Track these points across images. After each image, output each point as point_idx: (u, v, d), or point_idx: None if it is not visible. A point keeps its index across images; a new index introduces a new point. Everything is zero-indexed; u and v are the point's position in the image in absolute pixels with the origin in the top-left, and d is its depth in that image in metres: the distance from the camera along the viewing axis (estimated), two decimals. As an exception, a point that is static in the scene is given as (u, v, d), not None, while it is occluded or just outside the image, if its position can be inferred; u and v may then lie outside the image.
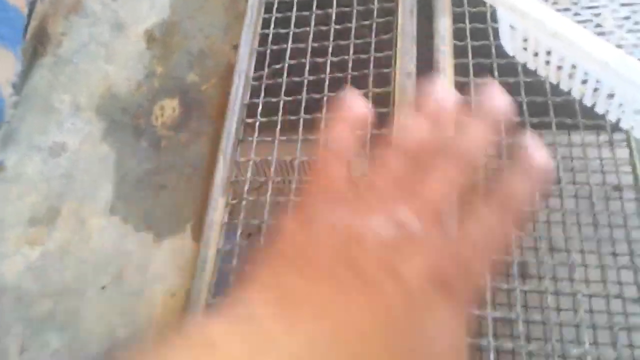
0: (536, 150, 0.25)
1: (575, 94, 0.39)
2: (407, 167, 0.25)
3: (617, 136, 0.40)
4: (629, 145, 0.39)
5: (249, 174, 0.43)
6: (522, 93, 0.41)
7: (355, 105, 0.27)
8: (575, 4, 0.41)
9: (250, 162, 0.43)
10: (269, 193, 0.42)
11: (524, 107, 0.41)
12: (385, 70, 0.44)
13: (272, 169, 0.43)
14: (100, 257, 0.42)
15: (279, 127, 0.44)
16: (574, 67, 0.36)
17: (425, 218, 0.23)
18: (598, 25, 0.40)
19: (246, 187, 0.43)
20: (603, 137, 0.42)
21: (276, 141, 0.44)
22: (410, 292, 0.22)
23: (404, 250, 0.22)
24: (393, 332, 0.21)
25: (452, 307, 0.22)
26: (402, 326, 0.21)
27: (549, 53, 0.37)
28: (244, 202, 0.42)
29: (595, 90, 0.36)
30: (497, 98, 0.25)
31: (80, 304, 0.41)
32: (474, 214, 0.24)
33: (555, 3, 0.41)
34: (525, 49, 0.39)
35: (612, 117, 0.38)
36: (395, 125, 0.40)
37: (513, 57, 0.42)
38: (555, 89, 0.40)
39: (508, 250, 0.29)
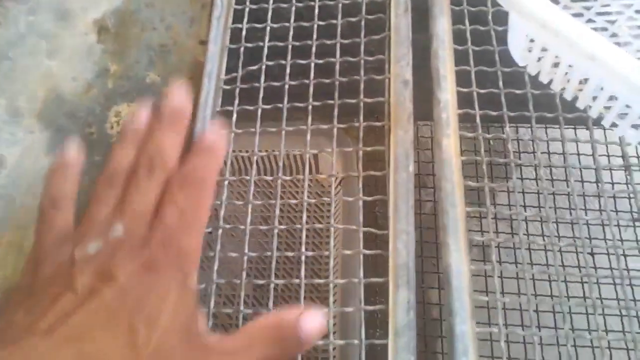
0: (209, 128, 0.34)
1: (594, 113, 0.35)
2: (113, 189, 0.31)
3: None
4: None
5: (224, 196, 0.37)
6: (531, 106, 0.37)
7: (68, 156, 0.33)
8: (588, 9, 0.37)
9: (226, 182, 0.38)
10: (248, 218, 0.36)
11: (533, 122, 0.37)
12: (377, 77, 0.39)
13: (251, 190, 0.37)
14: (50, 296, 0.36)
15: (257, 140, 0.39)
16: (601, 88, 0.32)
17: (127, 224, 0.29)
18: (614, 35, 0.36)
19: (222, 213, 0.37)
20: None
21: (255, 157, 0.38)
22: (124, 287, 0.26)
23: (113, 257, 0.27)
24: (122, 327, 0.25)
25: (168, 282, 0.27)
26: (126, 317, 0.25)
27: (570, 66, 0.33)
28: (220, 231, 0.36)
29: (623, 116, 0.32)
30: (175, 97, 0.34)
31: None
32: (162, 200, 0.30)
33: (566, 7, 0.37)
34: (539, 59, 0.35)
35: (633, 141, 0.35)
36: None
37: (521, 66, 0.37)
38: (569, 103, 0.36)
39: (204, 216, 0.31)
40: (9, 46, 0.43)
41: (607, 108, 0.33)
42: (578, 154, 0.53)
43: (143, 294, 0.26)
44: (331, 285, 0.33)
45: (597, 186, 0.35)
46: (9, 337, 0.25)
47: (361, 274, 0.34)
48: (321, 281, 0.34)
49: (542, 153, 0.36)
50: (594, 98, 0.34)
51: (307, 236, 0.36)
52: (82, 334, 0.25)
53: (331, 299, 0.33)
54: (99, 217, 0.30)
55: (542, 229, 0.50)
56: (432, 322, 0.64)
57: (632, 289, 0.36)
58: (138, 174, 0.31)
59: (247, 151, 0.38)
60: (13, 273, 0.37)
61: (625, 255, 0.47)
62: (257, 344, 0.28)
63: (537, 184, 0.34)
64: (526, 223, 0.51)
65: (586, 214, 0.33)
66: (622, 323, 0.49)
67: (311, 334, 0.29)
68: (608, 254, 0.43)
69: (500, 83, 0.38)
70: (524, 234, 0.32)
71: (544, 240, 0.32)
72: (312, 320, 0.29)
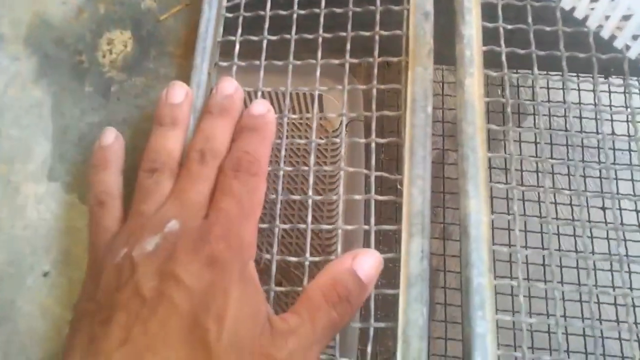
0: (254, 104, 0.31)
1: (632, 55, 0.32)
2: (160, 179, 0.30)
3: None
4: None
5: (225, 134, 0.34)
6: (561, 46, 0.34)
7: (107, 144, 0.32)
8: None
9: (228, 119, 0.35)
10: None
11: (564, 62, 0.34)
12: (396, 8, 0.36)
13: (255, 128, 0.35)
14: (39, 234, 0.34)
15: (261, 73, 0.36)
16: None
17: (182, 217, 0.28)
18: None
19: (223, 152, 0.34)
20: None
21: (259, 93, 0.35)
22: (190, 288, 0.25)
23: (174, 255, 0.26)
24: (194, 328, 0.25)
25: (230, 275, 0.26)
26: (196, 318, 0.25)
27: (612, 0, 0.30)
28: (220, 171, 0.34)
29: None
30: (225, 88, 0.32)
31: (16, 296, 0.33)
32: (217, 187, 0.29)
33: None
34: (576, -9, 0.32)
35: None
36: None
37: (552, 0, 0.34)
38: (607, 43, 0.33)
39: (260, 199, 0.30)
40: (-10, -37, 0.39)
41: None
42: (610, 105, 0.50)
43: (208, 291, 0.26)
44: (339, 232, 0.30)
45: (629, 134, 0.32)
46: (87, 351, 0.25)
47: (372, 221, 0.32)
48: (329, 227, 0.32)
49: (573, 104, 0.33)
50: (635, 37, 0.31)
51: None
52: (158, 342, 0.24)
53: (339, 248, 0.30)
54: (150, 211, 0.29)
55: (569, 182, 0.47)
56: (434, 272, 0.63)
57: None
58: (189, 160, 0.30)
59: (250, 87, 0.35)
60: (-1, 209, 0.34)
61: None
62: (319, 312, 0.27)
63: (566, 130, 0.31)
64: (552, 175, 0.48)
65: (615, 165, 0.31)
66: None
67: (371, 274, 0.29)
68: (637, 210, 0.41)
69: (530, 18, 0.35)
70: (550, 187, 0.29)
71: (570, 190, 0.29)
72: (367, 260, 0.29)
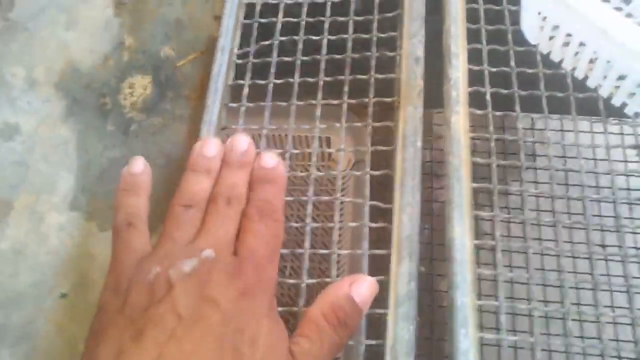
0: (265, 157, 0.34)
1: (604, 93, 0.34)
2: (192, 214, 0.31)
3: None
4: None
5: (232, 168, 0.38)
6: (542, 86, 0.37)
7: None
8: (628, 3, 0.36)
9: (235, 154, 0.38)
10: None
11: (543, 101, 0.37)
12: (390, 54, 0.39)
13: (259, 163, 0.38)
14: (60, 259, 0.37)
15: (267, 113, 0.39)
16: (608, 62, 0.32)
17: (215, 247, 0.29)
18: (629, 15, 0.36)
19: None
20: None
21: (264, 130, 0.39)
22: (226, 312, 0.27)
23: (211, 279, 0.28)
24: (228, 351, 0.26)
25: (261, 306, 0.28)
26: (230, 341, 0.26)
27: (581, 44, 0.33)
28: (227, 201, 0.37)
29: (631, 94, 0.32)
30: (241, 143, 0.34)
31: (36, 316, 0.35)
32: (244, 229, 0.31)
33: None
34: (551, 38, 0.35)
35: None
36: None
37: (533, 45, 0.37)
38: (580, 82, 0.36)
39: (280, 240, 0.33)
40: (28, 18, 0.44)
41: (617, 87, 0.33)
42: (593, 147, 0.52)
43: (242, 318, 0.27)
44: (334, 257, 0.33)
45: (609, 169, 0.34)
46: None
47: (365, 246, 0.34)
48: (325, 252, 0.35)
49: (554, 144, 0.36)
50: (605, 77, 0.33)
51: (315, 210, 0.36)
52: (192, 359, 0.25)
53: (334, 271, 0.33)
54: (183, 238, 0.30)
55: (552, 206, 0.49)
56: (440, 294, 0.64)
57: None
58: (217, 203, 0.32)
59: (256, 126, 0.38)
60: (26, 235, 0.38)
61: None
62: (324, 334, 0.30)
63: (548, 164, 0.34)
64: (537, 199, 0.50)
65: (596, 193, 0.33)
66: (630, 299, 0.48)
67: (366, 299, 0.31)
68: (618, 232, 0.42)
69: (512, 62, 0.38)
70: (532, 218, 0.32)
71: (553, 217, 0.32)
72: (363, 286, 0.31)
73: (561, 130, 0.54)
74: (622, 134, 0.60)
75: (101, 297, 0.29)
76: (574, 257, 0.44)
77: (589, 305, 0.31)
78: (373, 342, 0.31)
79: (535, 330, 0.30)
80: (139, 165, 0.34)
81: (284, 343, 0.29)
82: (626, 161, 0.54)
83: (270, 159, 0.34)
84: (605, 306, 0.34)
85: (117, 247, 0.31)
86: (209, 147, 0.34)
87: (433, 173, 0.66)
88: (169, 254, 0.29)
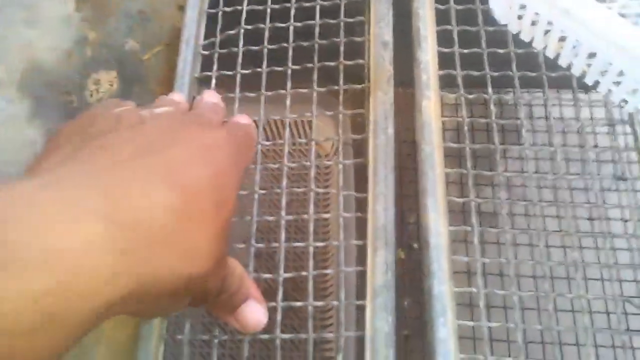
0: (237, 115, 0.32)
1: (576, 71, 0.34)
2: None
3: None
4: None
5: (204, 163, 0.37)
6: (514, 66, 0.36)
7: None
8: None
9: (205, 149, 0.37)
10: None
11: (516, 80, 0.36)
12: (358, 39, 0.38)
13: (231, 156, 0.37)
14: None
15: (236, 105, 0.38)
16: (577, 41, 0.31)
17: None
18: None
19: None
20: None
21: (234, 123, 0.38)
22: (201, 148, 0.25)
23: (183, 122, 0.27)
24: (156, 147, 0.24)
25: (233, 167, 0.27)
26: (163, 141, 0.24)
27: (549, 23, 0.32)
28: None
29: (604, 72, 0.32)
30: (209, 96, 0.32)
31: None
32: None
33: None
34: (520, 17, 0.34)
35: (615, 98, 0.34)
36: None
37: (503, 25, 0.37)
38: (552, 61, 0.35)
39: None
40: (-14, 16, 0.43)
41: (589, 65, 0.33)
42: (562, 118, 0.52)
43: (216, 159, 0.26)
44: (311, 249, 0.33)
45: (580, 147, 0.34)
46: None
47: (341, 237, 0.34)
48: (301, 244, 0.34)
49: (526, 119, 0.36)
50: (575, 55, 0.33)
51: (296, 202, 0.36)
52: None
53: (311, 263, 0.32)
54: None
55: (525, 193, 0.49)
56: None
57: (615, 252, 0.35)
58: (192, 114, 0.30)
59: (225, 118, 0.38)
60: None
61: (608, 219, 0.46)
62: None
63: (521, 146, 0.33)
64: (508, 187, 0.50)
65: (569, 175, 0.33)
66: (603, 286, 0.49)
67: (245, 321, 0.29)
68: (591, 218, 0.42)
69: (483, 43, 0.37)
70: (507, 199, 0.31)
71: (525, 202, 0.31)
72: (253, 310, 0.29)
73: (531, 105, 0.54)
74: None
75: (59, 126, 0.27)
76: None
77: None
78: (352, 333, 0.31)
79: (516, 316, 0.30)
80: None
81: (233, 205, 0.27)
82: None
83: (244, 118, 0.32)
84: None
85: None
86: (176, 94, 0.33)
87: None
88: (137, 110, 0.27)
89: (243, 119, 0.32)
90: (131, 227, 0.20)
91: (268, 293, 0.44)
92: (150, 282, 0.21)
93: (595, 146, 0.50)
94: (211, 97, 0.32)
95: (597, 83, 0.34)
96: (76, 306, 0.18)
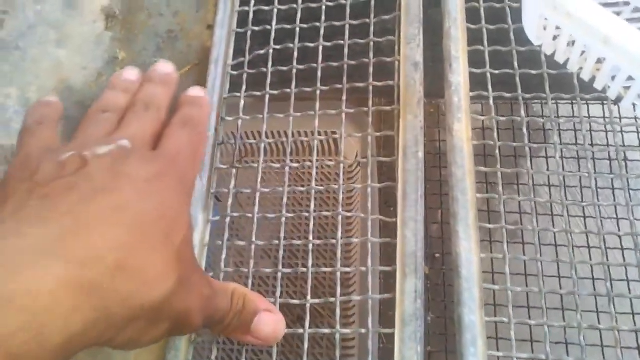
0: (190, 89, 0.33)
1: (612, 95, 0.33)
2: (108, 116, 0.30)
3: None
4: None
5: (232, 185, 0.37)
6: (547, 88, 0.35)
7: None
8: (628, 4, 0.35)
9: (234, 170, 0.37)
10: (256, 207, 0.36)
11: (549, 102, 0.35)
12: (388, 60, 0.38)
13: (259, 178, 0.37)
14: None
15: (264, 127, 0.38)
16: (618, 69, 0.30)
17: (132, 140, 0.28)
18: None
19: (230, 201, 0.37)
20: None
21: (262, 144, 0.38)
22: (142, 189, 0.26)
23: (126, 161, 0.27)
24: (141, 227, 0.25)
25: (178, 197, 0.28)
26: (144, 218, 0.25)
27: (586, 46, 0.31)
28: (227, 219, 0.36)
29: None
30: (163, 66, 0.33)
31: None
32: (165, 135, 0.30)
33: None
34: (555, 37, 0.33)
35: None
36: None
37: (537, 46, 0.36)
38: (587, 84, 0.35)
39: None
40: (18, 36, 0.43)
41: (627, 88, 0.32)
42: (590, 131, 0.50)
43: (156, 197, 0.26)
44: (338, 274, 0.32)
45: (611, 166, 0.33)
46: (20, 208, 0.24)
47: (369, 262, 0.33)
48: (328, 270, 0.34)
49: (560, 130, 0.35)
50: (613, 78, 0.32)
51: (322, 226, 0.35)
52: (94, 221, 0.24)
53: (338, 289, 0.32)
54: (99, 133, 0.29)
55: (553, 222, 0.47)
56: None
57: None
58: (135, 107, 0.31)
59: (254, 138, 0.38)
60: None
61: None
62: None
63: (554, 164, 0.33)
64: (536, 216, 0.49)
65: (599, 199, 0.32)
66: (634, 319, 0.48)
67: (263, 334, 0.30)
68: (622, 248, 0.41)
69: (515, 63, 0.36)
70: (537, 228, 0.31)
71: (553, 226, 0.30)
72: (267, 322, 0.30)
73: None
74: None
75: (7, 170, 0.28)
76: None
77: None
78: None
79: (547, 347, 0.29)
80: (49, 98, 0.34)
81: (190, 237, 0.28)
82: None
83: (198, 90, 0.33)
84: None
85: (25, 138, 0.30)
86: (130, 71, 0.34)
87: (442, 153, 0.64)
88: (83, 143, 0.28)
89: (195, 91, 0.33)
90: (87, 264, 0.22)
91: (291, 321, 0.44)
92: (112, 308, 0.23)
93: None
94: (165, 67, 0.34)
95: (634, 106, 0.33)
96: (42, 343, 0.20)
